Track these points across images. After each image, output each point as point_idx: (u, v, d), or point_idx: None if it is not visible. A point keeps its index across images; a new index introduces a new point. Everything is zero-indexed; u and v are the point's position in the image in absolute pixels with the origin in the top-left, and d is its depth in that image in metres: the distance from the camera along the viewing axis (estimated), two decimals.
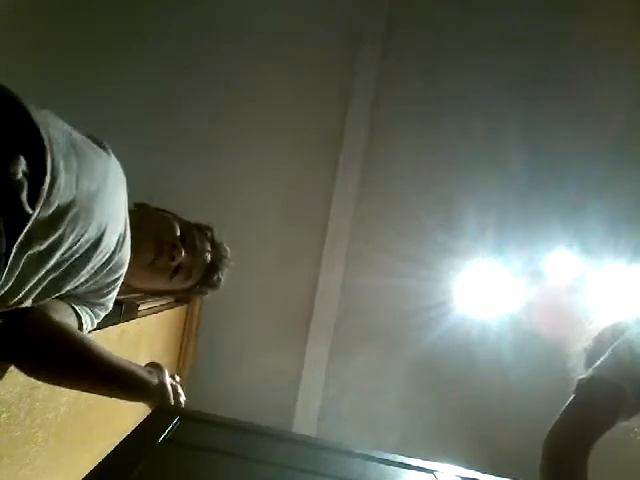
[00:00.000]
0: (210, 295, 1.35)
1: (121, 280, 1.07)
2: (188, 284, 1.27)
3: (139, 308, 1.65)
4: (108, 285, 1.04)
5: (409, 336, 2.31)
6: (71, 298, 0.99)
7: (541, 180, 2.41)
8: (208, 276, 1.29)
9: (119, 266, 1.03)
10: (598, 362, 1.20)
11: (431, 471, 1.11)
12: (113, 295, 1.08)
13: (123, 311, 1.55)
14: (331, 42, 2.65)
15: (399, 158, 2.55)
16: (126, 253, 1.04)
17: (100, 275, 0.99)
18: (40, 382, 1.02)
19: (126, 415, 1.45)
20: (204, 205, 2.43)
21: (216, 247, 1.32)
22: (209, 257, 1.28)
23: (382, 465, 1.04)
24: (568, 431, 1.13)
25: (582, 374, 1.23)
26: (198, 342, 2.26)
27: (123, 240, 1.01)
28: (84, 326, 1.01)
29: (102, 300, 1.05)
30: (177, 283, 1.24)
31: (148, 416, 1.01)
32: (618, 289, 2.23)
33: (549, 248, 2.37)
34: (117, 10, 2.70)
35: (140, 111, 2.55)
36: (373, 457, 1.04)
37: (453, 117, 2.53)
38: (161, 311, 1.81)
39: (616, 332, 1.30)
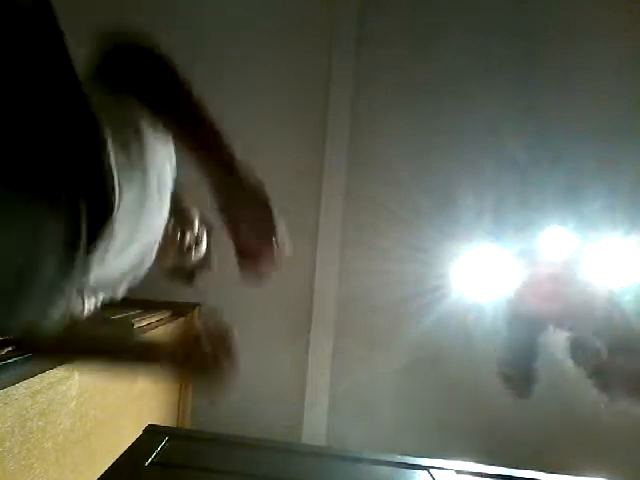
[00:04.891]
0: None
1: None
2: None
3: (134, 327, 1.65)
4: None
5: (409, 323, 2.29)
6: None
7: (538, 162, 2.37)
8: None
9: None
10: None
11: (426, 467, 1.12)
12: None
13: None
14: (305, 46, 2.60)
15: (391, 151, 2.51)
16: None
17: None
18: (32, 414, 1.03)
19: (132, 434, 1.45)
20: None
21: None
22: None
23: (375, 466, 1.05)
24: None
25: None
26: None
27: None
28: None
29: None
30: None
31: (138, 438, 1.03)
32: (617, 269, 2.21)
33: (546, 228, 2.34)
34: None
35: None
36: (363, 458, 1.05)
37: (449, 99, 2.48)
38: (156, 327, 1.81)
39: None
